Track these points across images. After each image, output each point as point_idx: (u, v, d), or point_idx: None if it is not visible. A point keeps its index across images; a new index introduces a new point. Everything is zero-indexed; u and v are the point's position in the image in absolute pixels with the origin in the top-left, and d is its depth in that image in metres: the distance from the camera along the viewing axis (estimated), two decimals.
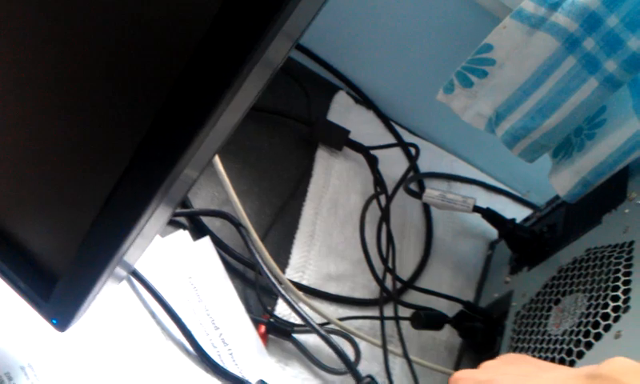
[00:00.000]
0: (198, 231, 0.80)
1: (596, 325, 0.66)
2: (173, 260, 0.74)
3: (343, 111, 1.02)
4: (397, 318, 0.82)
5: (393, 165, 1.00)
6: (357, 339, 0.81)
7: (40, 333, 0.63)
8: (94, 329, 0.66)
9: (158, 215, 0.47)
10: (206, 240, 0.78)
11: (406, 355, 0.80)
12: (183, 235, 0.76)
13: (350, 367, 0.73)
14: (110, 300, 0.68)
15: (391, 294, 0.85)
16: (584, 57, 0.76)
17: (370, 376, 0.72)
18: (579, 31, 0.75)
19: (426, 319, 0.80)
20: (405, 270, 0.93)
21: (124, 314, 0.69)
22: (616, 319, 0.65)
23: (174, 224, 0.78)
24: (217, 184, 0.82)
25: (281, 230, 0.87)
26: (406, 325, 0.83)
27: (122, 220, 0.46)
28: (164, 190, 0.44)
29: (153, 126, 0.42)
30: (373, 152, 0.97)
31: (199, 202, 0.82)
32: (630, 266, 0.69)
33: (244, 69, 0.37)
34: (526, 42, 0.78)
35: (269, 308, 0.79)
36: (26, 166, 0.48)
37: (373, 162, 0.96)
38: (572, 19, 0.75)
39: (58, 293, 0.51)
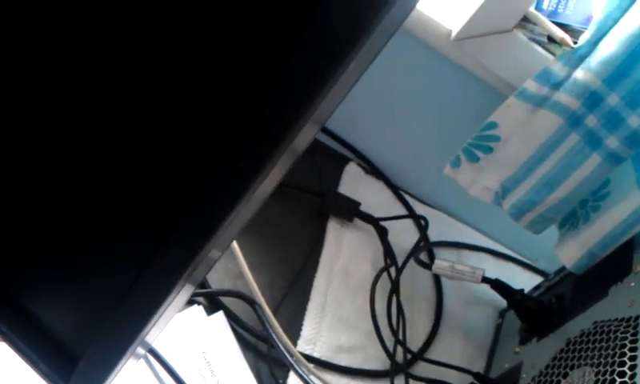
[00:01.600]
0: (212, 305, 0.81)
1: None
2: (187, 335, 0.75)
3: (354, 182, 1.05)
4: None
5: (403, 235, 1.02)
6: None
7: None
8: None
9: (180, 296, 0.49)
10: (220, 315, 0.79)
11: None
12: (197, 310, 0.78)
13: None
14: (125, 377, 0.70)
15: (401, 367, 0.86)
16: (587, 134, 0.78)
17: None
18: (581, 109, 0.77)
19: None
20: (415, 341, 0.94)
21: None
22: None
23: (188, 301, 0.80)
24: (230, 257, 0.84)
25: (293, 300, 0.89)
26: None
27: (147, 303, 0.48)
28: (190, 272, 0.46)
29: (182, 212, 0.43)
30: (383, 223, 0.99)
31: (213, 274, 0.84)
32: (635, 340, 0.69)
33: (273, 157, 0.39)
34: (529, 120, 0.81)
35: (280, 381, 0.80)
36: (52, 250, 0.50)
37: (383, 234, 0.98)
38: (574, 97, 0.77)
39: (79, 374, 0.53)
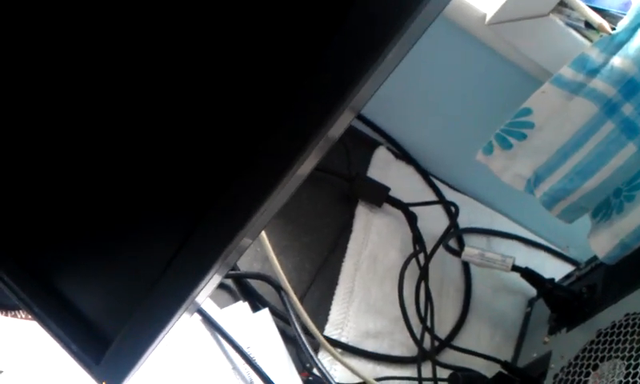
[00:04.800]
0: (241, 291, 0.81)
1: None
2: (232, 331, 0.75)
3: (383, 166, 1.04)
4: (435, 380, 0.82)
5: (432, 221, 1.01)
6: None
7: None
8: None
9: (213, 280, 0.49)
10: (265, 312, 0.79)
11: None
12: (242, 307, 0.78)
13: None
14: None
15: (429, 353, 0.85)
16: (623, 122, 0.77)
17: None
18: (618, 97, 0.76)
19: (464, 380, 0.80)
20: (443, 328, 0.93)
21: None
22: None
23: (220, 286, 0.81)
24: (258, 241, 0.84)
25: (320, 285, 0.88)
26: None
27: (180, 287, 0.48)
28: (224, 256, 0.46)
29: (219, 195, 0.43)
30: (412, 209, 0.98)
31: (242, 257, 0.84)
32: None
33: (310, 145, 0.39)
34: (565, 107, 0.79)
35: (307, 365, 0.80)
36: (88, 230, 0.51)
37: (412, 220, 0.98)
38: (610, 85, 0.76)
39: (110, 357, 0.53)
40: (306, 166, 0.42)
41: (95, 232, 0.50)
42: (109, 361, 0.53)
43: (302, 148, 0.39)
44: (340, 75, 0.36)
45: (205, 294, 0.52)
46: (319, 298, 0.87)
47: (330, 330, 0.85)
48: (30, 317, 0.65)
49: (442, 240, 0.93)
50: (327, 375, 0.77)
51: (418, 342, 0.86)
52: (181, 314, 0.51)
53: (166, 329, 0.51)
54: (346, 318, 0.87)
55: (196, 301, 0.52)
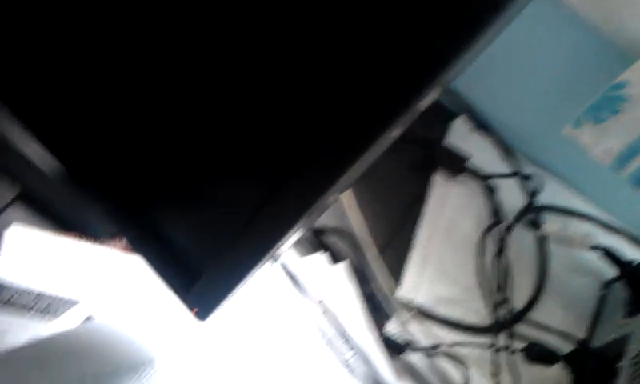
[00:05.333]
0: (320, 243, 0.81)
1: None
2: (308, 280, 0.75)
3: (462, 136, 1.02)
4: (510, 349, 0.81)
5: (510, 194, 0.99)
6: (466, 366, 0.81)
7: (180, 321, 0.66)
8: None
9: (298, 232, 0.50)
10: (343, 266, 0.79)
11: None
12: (321, 258, 0.78)
13: None
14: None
15: (505, 324, 0.84)
16: None
17: None
18: None
19: (540, 353, 0.79)
20: (516, 302, 0.92)
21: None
22: None
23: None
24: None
25: (395, 250, 0.88)
26: (513, 358, 0.82)
27: (269, 234, 0.49)
28: (313, 209, 0.47)
29: (314, 152, 0.44)
30: (490, 181, 0.97)
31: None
32: None
33: (400, 117, 0.40)
34: None
35: (381, 323, 0.79)
36: (190, 168, 0.52)
37: (490, 191, 0.96)
38: None
39: (198, 288, 0.54)
40: (396, 131, 0.43)
41: (200, 171, 0.51)
42: (199, 292, 0.54)
43: (396, 116, 0.40)
44: (440, 50, 0.37)
45: (289, 244, 0.53)
46: (393, 261, 0.87)
47: (404, 293, 0.84)
48: (125, 247, 0.67)
49: (522, 214, 0.92)
50: (401, 334, 0.77)
51: (495, 313, 0.85)
52: (266, 260, 0.52)
53: (252, 272, 0.52)
54: (419, 282, 0.86)
55: (281, 248, 0.53)
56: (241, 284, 0.53)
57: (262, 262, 0.52)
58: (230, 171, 0.51)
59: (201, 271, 0.54)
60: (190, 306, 0.55)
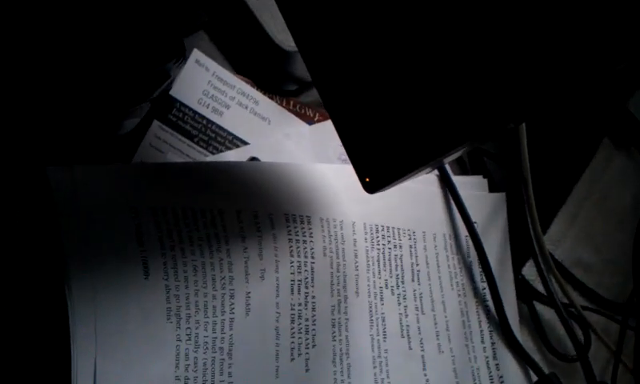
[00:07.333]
0: (480, 169, 0.80)
1: None
2: (465, 201, 0.73)
3: None
4: None
5: None
6: (592, 335, 0.78)
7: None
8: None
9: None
10: (502, 195, 0.78)
11: (637, 371, 0.76)
12: (482, 182, 0.76)
13: (581, 355, 0.71)
14: None
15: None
16: None
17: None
18: None
19: None
20: None
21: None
22: None
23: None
24: None
25: (548, 199, 0.84)
26: None
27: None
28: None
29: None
30: None
31: None
32: None
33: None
34: None
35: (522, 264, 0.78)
36: None
37: None
38: None
39: (379, 158, 0.53)
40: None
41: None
42: (376, 163, 0.54)
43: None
44: None
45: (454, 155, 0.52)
46: (542, 210, 0.84)
47: (546, 243, 0.81)
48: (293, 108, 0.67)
49: None
50: (534, 282, 0.75)
51: (632, 294, 0.81)
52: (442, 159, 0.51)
53: (429, 162, 0.52)
54: (563, 239, 0.83)
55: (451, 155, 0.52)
56: (416, 170, 0.52)
57: (442, 157, 0.51)
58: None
59: (381, 142, 0.53)
60: (363, 175, 0.54)
